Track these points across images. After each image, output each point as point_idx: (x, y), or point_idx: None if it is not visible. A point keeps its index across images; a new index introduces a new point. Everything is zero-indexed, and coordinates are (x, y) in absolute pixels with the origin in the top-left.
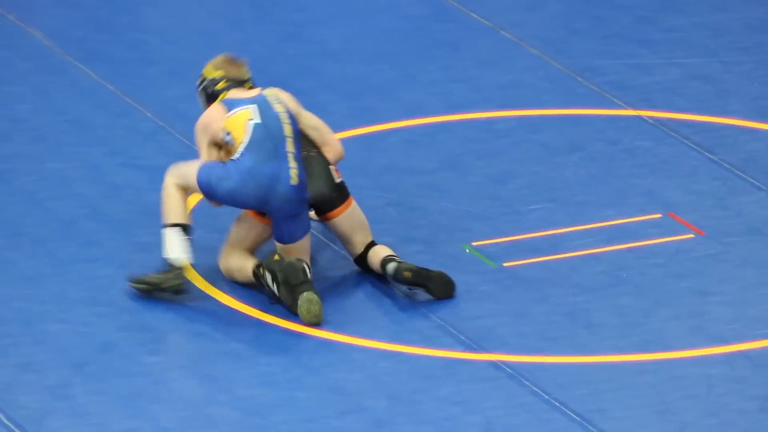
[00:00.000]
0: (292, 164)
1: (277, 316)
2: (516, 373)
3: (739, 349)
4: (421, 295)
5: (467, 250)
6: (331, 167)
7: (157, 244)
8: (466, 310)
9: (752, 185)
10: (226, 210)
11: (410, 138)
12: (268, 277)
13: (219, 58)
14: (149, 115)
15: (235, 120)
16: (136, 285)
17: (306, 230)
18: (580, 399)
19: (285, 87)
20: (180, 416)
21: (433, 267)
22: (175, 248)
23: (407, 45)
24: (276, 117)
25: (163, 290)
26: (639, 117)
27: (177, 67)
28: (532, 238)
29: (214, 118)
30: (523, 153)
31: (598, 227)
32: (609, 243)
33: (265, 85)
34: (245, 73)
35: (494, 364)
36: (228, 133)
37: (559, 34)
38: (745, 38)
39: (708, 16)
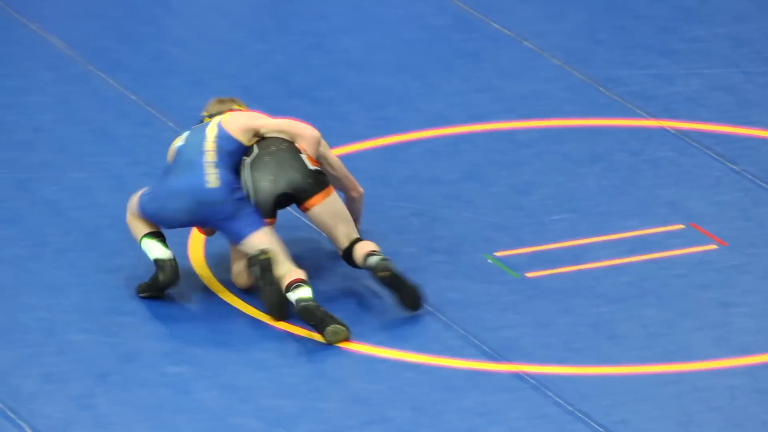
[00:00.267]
0: (210, 170)
1: (300, 326)
2: (539, 383)
3: (762, 361)
4: (446, 306)
5: (490, 261)
6: (303, 155)
7: (181, 254)
8: (489, 320)
9: None
10: None
11: (432, 148)
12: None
13: (211, 100)
14: (171, 124)
15: (170, 148)
16: (143, 294)
17: (254, 225)
18: (604, 410)
19: (306, 97)
20: (203, 426)
21: (457, 278)
22: (155, 249)
23: (429, 55)
24: (201, 135)
25: (165, 286)
26: (661, 127)
27: (199, 77)
28: (555, 248)
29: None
30: (546, 163)
31: (620, 238)
32: (632, 254)
33: (286, 97)
34: (227, 107)
35: (517, 375)
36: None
37: (581, 44)
38: (767, 48)
39: (730, 27)
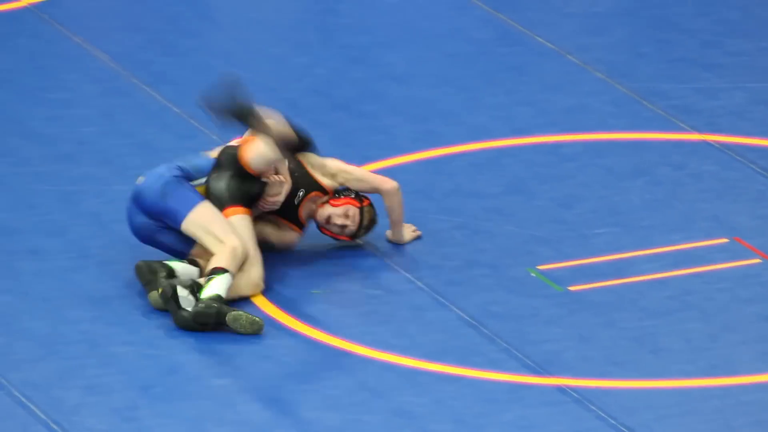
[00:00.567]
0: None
1: (343, 338)
2: (582, 397)
3: None
4: (488, 319)
5: (533, 274)
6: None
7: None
8: (532, 333)
9: None
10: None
11: (475, 162)
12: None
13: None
14: (214, 137)
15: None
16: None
17: (192, 202)
18: (647, 424)
19: (349, 110)
20: None
21: (499, 291)
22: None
23: (472, 69)
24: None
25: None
26: (705, 141)
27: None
28: (598, 262)
29: None
30: (589, 177)
31: (664, 252)
32: (675, 267)
33: (328, 110)
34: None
35: (560, 389)
36: None
37: (624, 58)
38: None
39: None
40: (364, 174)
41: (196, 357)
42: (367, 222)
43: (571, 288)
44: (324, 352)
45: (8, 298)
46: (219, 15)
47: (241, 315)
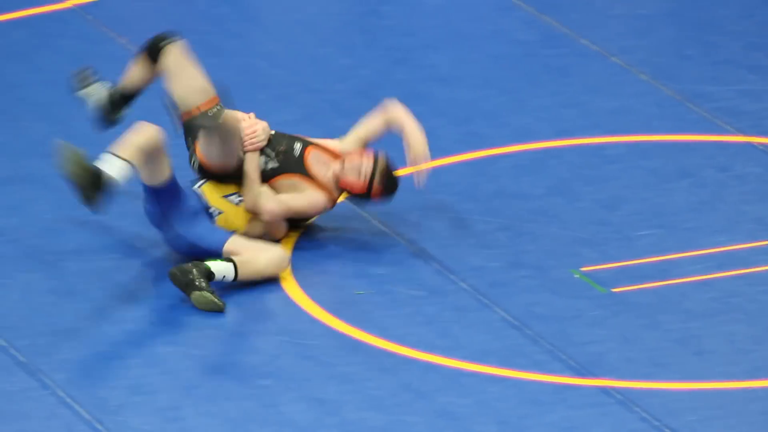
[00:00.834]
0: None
1: (386, 339)
2: (625, 398)
3: None
4: (532, 321)
5: (576, 276)
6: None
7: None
8: (576, 335)
9: None
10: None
11: (519, 163)
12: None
13: None
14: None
15: None
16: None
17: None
18: (690, 425)
19: None
20: None
21: (543, 292)
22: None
23: (516, 70)
24: None
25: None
26: (750, 143)
27: (286, 92)
28: (642, 263)
29: None
30: (633, 179)
31: (708, 253)
32: (719, 269)
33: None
34: None
35: (603, 390)
36: None
37: (669, 60)
38: None
39: None
40: (366, 123)
41: (239, 357)
42: (383, 166)
43: (615, 289)
44: (367, 353)
45: (53, 298)
46: (263, 16)
47: (205, 296)
